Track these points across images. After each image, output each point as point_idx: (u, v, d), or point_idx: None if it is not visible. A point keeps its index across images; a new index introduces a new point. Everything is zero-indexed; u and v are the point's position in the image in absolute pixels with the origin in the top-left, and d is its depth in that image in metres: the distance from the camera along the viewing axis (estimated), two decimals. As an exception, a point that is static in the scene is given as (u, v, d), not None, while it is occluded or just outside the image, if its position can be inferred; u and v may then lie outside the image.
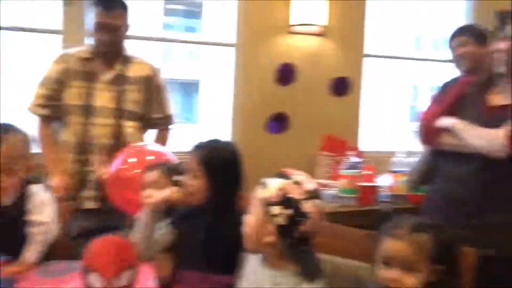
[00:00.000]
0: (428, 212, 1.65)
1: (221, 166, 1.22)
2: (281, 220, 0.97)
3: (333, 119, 2.51)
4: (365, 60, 2.59)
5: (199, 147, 1.25)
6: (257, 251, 1.06)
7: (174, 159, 1.59)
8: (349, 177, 2.12)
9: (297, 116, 2.43)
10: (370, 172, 2.24)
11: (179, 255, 1.28)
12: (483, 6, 2.81)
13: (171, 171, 1.36)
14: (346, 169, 2.14)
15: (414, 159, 1.97)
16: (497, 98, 1.48)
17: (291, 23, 2.34)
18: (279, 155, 2.40)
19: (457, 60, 2.03)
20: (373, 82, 2.73)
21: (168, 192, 1.27)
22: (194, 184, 1.22)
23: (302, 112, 2.44)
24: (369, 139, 2.71)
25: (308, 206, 0.98)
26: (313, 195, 1.00)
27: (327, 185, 2.23)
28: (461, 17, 2.86)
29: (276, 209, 0.98)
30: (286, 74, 2.38)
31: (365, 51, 2.58)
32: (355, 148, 2.45)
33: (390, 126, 2.45)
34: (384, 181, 2.28)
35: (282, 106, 2.40)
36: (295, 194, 0.99)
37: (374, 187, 2.21)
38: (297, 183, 1.01)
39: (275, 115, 2.39)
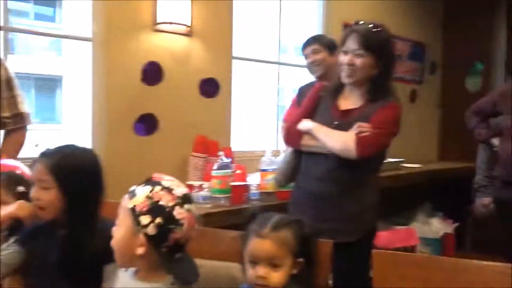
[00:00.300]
0: (293, 208, 1.77)
1: (75, 174, 1.10)
2: (151, 230, 0.91)
3: (204, 120, 2.50)
4: (234, 62, 2.65)
5: (47, 154, 1.10)
6: (128, 265, 0.98)
7: (19, 167, 1.37)
8: (220, 178, 2.14)
9: (166, 117, 2.35)
10: (241, 172, 2.30)
11: (32, 276, 1.13)
12: (331, 18, 3.13)
13: (13, 182, 1.17)
14: (218, 169, 2.15)
15: (280, 158, 2.08)
16: (346, 103, 1.66)
17: (157, 20, 2.25)
18: (149, 158, 2.29)
19: (311, 66, 2.22)
20: (243, 83, 2.80)
21: (12, 208, 1.09)
22: (44, 196, 1.07)
23: (171, 113, 2.37)
24: (239, 139, 2.77)
25: (180, 213, 0.94)
26: (185, 200, 0.96)
27: (199, 187, 2.22)
28: (314, 26, 3.14)
29: (145, 219, 0.92)
30: (152, 73, 2.28)
31: (234, 54, 2.63)
32: (226, 149, 2.48)
33: (259, 126, 2.60)
34: (254, 179, 2.36)
35: (150, 107, 2.29)
36: (165, 201, 0.94)
37: (245, 186, 2.27)
38: (166, 189, 0.96)
39: (142, 116, 2.27)
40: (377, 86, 1.58)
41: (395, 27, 3.58)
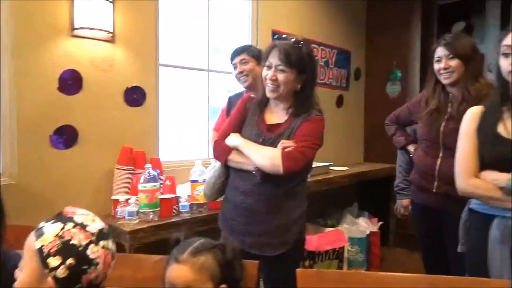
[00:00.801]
0: (222, 222, 1.75)
1: None
2: (61, 273, 0.83)
3: (129, 130, 2.38)
4: (162, 69, 2.56)
5: None
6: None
7: None
8: (148, 191, 2.05)
9: (87, 129, 2.20)
10: (170, 183, 2.23)
11: None
12: (261, 25, 3.16)
13: None
14: (145, 182, 2.07)
15: (210, 169, 2.05)
16: (272, 117, 1.67)
17: (75, 26, 2.10)
18: (68, 173, 2.14)
19: (239, 76, 2.22)
20: (172, 90, 2.72)
21: None
22: None
23: (93, 124, 2.23)
24: (169, 149, 2.69)
25: (94, 251, 0.87)
26: (100, 237, 0.90)
27: (126, 201, 2.11)
28: (244, 33, 3.15)
29: (54, 261, 0.84)
30: (70, 82, 2.12)
31: (161, 61, 2.54)
32: (154, 160, 2.39)
33: (190, 135, 2.52)
34: (184, 191, 2.30)
35: (68, 118, 2.13)
36: (78, 239, 0.86)
37: (174, 198, 2.21)
38: (79, 225, 0.88)
39: (60, 128, 2.11)
40: (301, 100, 1.61)
41: (323, 35, 3.71)
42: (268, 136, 1.60)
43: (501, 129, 1.44)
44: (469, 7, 3.77)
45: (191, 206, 2.23)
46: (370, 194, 3.89)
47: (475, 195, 1.46)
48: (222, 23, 3.01)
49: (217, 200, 1.84)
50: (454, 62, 1.86)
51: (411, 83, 3.86)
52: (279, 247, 1.59)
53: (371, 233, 3.35)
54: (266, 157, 1.52)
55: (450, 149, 1.70)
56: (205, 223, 2.19)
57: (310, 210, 2.99)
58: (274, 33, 3.23)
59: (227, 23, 3.05)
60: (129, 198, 2.13)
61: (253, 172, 1.57)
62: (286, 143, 1.54)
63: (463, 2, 3.67)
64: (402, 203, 2.44)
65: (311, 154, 1.58)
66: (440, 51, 1.90)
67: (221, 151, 1.65)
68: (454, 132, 1.62)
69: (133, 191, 2.19)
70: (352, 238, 3.18)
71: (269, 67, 1.58)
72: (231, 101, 2.30)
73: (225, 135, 1.66)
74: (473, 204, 1.50)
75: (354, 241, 3.19)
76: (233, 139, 1.62)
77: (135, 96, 2.39)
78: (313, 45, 3.62)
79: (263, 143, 1.59)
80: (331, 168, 3.38)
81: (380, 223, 3.48)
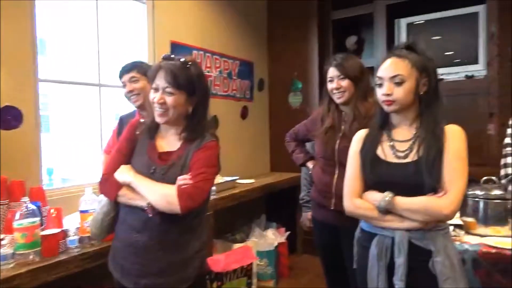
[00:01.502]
0: (112, 262, 1.58)
1: None
2: None
3: (4, 157, 2.07)
4: (45, 86, 2.28)
5: None
6: None
7: None
8: (25, 229, 1.78)
9: None
10: (55, 215, 1.97)
11: None
12: (159, 36, 3.01)
13: None
14: (21, 219, 1.79)
15: (100, 202, 1.84)
16: (163, 144, 1.55)
17: None
18: None
19: (129, 96, 2.06)
20: (59, 109, 2.43)
21: None
22: None
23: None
24: (55, 174, 2.40)
25: None
26: None
27: (-2, 243, 1.81)
28: (141, 45, 2.97)
29: None
30: None
31: (41, 76, 2.26)
32: (35, 189, 2.10)
33: (80, 157, 2.27)
34: (73, 222, 2.05)
35: None
36: None
37: (61, 233, 1.95)
38: None
39: None
40: (193, 124, 1.52)
41: (225, 47, 3.67)
42: (160, 165, 1.48)
43: (379, 152, 1.51)
44: (359, 22, 4.02)
45: (81, 239, 2.00)
46: (277, 204, 3.94)
47: (358, 215, 1.53)
48: (116, 34, 2.80)
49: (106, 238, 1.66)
50: (345, 82, 1.92)
51: (311, 93, 4.00)
52: (178, 285, 1.47)
53: (279, 243, 3.38)
54: (160, 196, 1.40)
55: (345, 167, 1.74)
56: (97, 258, 1.97)
57: (218, 226, 2.93)
58: (173, 44, 3.10)
59: (122, 33, 2.85)
60: (3, 238, 1.83)
61: (146, 209, 1.43)
62: (181, 180, 1.43)
63: (354, 17, 3.90)
64: (307, 216, 2.47)
65: (209, 186, 1.50)
66: (332, 72, 1.95)
67: (110, 187, 1.48)
68: (347, 150, 1.66)
69: (8, 229, 1.90)
70: (260, 252, 3.16)
71: (156, 90, 1.47)
72: (123, 122, 2.12)
73: (113, 166, 1.49)
74: (362, 222, 1.57)
75: (263, 254, 3.18)
76: (123, 174, 1.47)
77: (9, 117, 2.09)
78: (215, 57, 3.56)
79: (155, 173, 1.46)
80: (237, 181, 3.34)
81: (288, 233, 3.53)
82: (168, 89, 1.45)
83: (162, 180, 1.45)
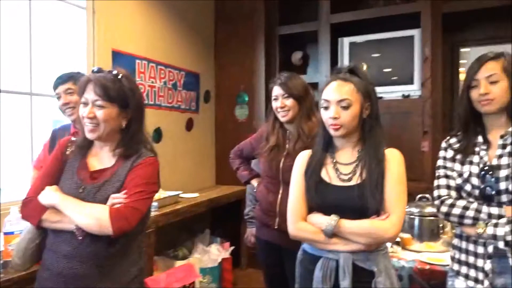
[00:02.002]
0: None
1: None
2: None
3: None
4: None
5: None
6: None
7: None
8: None
9: None
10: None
11: None
12: (100, 44, 2.87)
13: None
14: None
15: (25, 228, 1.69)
16: (96, 162, 1.45)
17: None
18: None
19: (63, 108, 1.93)
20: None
21: None
22: None
23: None
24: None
25: None
26: None
27: None
28: (81, 53, 2.81)
29: None
30: None
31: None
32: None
33: (7, 173, 2.06)
34: (-5, 245, 1.86)
35: None
36: None
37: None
38: None
39: None
40: (128, 139, 1.44)
41: (170, 56, 3.58)
42: (91, 185, 1.38)
43: (324, 174, 1.53)
44: (305, 38, 4.11)
45: (4, 264, 1.82)
46: (222, 218, 3.89)
47: (302, 238, 1.53)
48: (53, 39, 2.62)
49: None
50: (289, 101, 1.94)
51: (257, 106, 4.02)
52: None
53: (223, 259, 3.33)
54: (91, 218, 1.30)
55: (289, 186, 1.74)
56: (23, 285, 1.80)
57: (159, 243, 2.82)
58: (114, 53, 2.97)
59: (59, 39, 2.67)
60: None
61: (74, 232, 1.32)
62: (115, 199, 1.34)
63: (300, 33, 3.98)
64: (252, 232, 2.45)
65: (146, 206, 1.42)
66: (276, 90, 1.96)
67: (32, 210, 1.35)
68: (291, 169, 1.66)
69: None
70: (203, 269, 3.09)
71: (86, 104, 1.39)
72: (55, 135, 1.98)
73: (38, 189, 1.37)
74: (304, 244, 1.57)
75: (206, 271, 3.11)
76: (48, 196, 1.35)
77: None
78: (160, 67, 3.46)
79: (84, 193, 1.36)
80: (181, 196, 3.24)
81: (232, 248, 3.49)
82: (98, 102, 1.37)
83: (93, 200, 1.36)
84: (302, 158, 1.62)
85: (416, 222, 2.22)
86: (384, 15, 3.49)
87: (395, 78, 3.52)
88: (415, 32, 3.38)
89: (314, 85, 3.90)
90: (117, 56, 2.98)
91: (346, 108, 1.47)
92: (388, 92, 3.50)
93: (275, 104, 1.97)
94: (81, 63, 2.78)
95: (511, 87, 1.48)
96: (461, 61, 3.64)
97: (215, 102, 4.24)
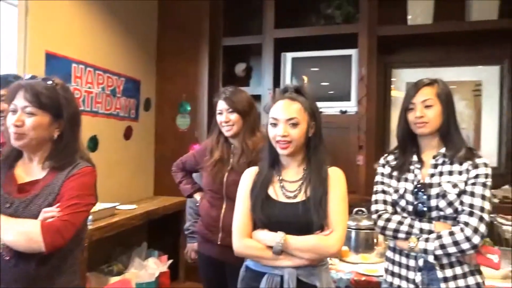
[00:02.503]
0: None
1: None
2: None
3: None
4: None
5: None
6: None
7: None
8: None
9: None
10: None
11: None
12: (33, 45, 2.67)
13: None
14: None
15: None
16: (25, 173, 1.36)
17: None
18: None
19: None
20: None
21: None
22: None
23: None
24: None
25: None
26: None
27: None
28: (13, 56, 2.60)
29: None
30: None
31: None
32: None
33: None
34: None
35: None
36: None
37: None
38: None
39: None
40: (60, 150, 1.36)
41: (109, 61, 3.43)
42: (19, 199, 1.28)
43: (271, 192, 1.55)
44: (249, 50, 4.16)
45: None
46: (160, 230, 3.77)
47: (249, 255, 1.54)
48: None
49: None
50: (233, 116, 1.94)
51: (200, 116, 3.97)
52: None
53: (161, 273, 3.22)
54: (19, 234, 1.20)
55: (233, 201, 1.73)
56: None
57: (92, 258, 2.66)
58: (48, 55, 2.78)
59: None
60: None
61: (0, 251, 1.21)
62: (47, 212, 1.24)
63: (244, 45, 4.02)
64: (192, 247, 2.40)
65: (82, 219, 1.34)
66: (221, 105, 1.96)
67: None
68: (235, 184, 1.66)
69: None
70: (140, 284, 2.97)
71: (15, 112, 1.30)
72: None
73: None
74: (248, 260, 1.57)
75: (143, 286, 2.99)
76: None
77: None
78: (98, 72, 3.30)
79: (12, 209, 1.26)
80: (117, 207, 3.09)
81: (170, 261, 3.39)
82: (28, 109, 1.29)
83: (22, 215, 1.27)
84: (249, 175, 1.63)
85: (353, 234, 2.32)
86: (324, 33, 3.64)
87: (334, 94, 3.68)
88: (352, 52, 3.56)
89: (257, 97, 3.95)
90: (51, 58, 2.79)
91: (294, 126, 1.51)
92: (327, 107, 3.64)
93: (219, 119, 1.97)
94: (11, 66, 2.57)
95: (443, 112, 1.61)
96: (392, 79, 3.89)
97: (156, 110, 4.13)
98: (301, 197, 1.53)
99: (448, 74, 3.60)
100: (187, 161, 2.20)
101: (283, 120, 1.51)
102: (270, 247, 1.46)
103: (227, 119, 1.93)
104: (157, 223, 3.69)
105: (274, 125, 1.53)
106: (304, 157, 1.60)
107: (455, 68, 3.62)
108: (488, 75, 3.54)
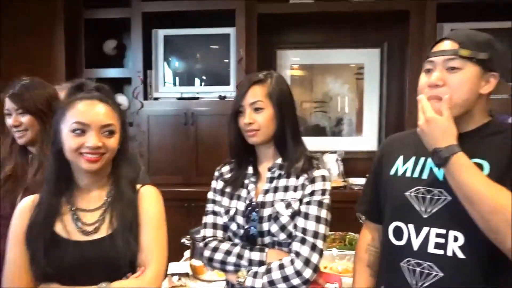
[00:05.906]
0: None
1: None
2: None
3: None
4: None
5: None
6: None
7: None
8: None
9: None
10: None
11: None
12: None
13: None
14: None
15: None
16: None
17: None
18: None
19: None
20: None
21: None
22: None
23: None
24: None
25: None
26: None
27: None
28: None
29: None
30: None
31: None
32: None
33: None
34: None
35: None
36: None
37: None
38: None
39: None
40: None
41: None
42: None
43: (59, 229, 1.16)
44: (121, 24, 3.58)
45: None
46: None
47: None
48: None
49: None
50: (25, 118, 1.48)
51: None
52: None
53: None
54: None
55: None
56: None
57: None
58: None
59: None
60: None
61: None
62: None
63: (112, 19, 3.45)
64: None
65: None
66: (7, 103, 1.48)
67: None
68: None
69: None
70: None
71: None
72: None
73: None
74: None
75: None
76: None
77: None
78: None
79: None
80: None
81: None
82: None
83: None
84: (23, 209, 1.20)
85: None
86: (198, 9, 3.21)
87: (211, 78, 3.32)
88: (231, 31, 3.21)
89: (127, 80, 3.47)
90: None
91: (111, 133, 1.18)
92: (205, 92, 3.28)
93: (8, 121, 1.49)
94: None
95: (275, 116, 1.32)
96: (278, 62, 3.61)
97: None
98: (106, 231, 1.17)
99: (333, 56, 3.43)
100: None
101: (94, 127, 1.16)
102: None
103: (16, 122, 1.46)
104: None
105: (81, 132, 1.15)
106: (108, 175, 1.23)
107: (339, 51, 3.45)
108: (369, 58, 3.41)
